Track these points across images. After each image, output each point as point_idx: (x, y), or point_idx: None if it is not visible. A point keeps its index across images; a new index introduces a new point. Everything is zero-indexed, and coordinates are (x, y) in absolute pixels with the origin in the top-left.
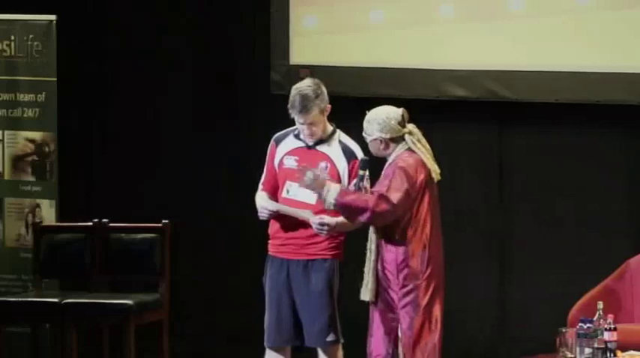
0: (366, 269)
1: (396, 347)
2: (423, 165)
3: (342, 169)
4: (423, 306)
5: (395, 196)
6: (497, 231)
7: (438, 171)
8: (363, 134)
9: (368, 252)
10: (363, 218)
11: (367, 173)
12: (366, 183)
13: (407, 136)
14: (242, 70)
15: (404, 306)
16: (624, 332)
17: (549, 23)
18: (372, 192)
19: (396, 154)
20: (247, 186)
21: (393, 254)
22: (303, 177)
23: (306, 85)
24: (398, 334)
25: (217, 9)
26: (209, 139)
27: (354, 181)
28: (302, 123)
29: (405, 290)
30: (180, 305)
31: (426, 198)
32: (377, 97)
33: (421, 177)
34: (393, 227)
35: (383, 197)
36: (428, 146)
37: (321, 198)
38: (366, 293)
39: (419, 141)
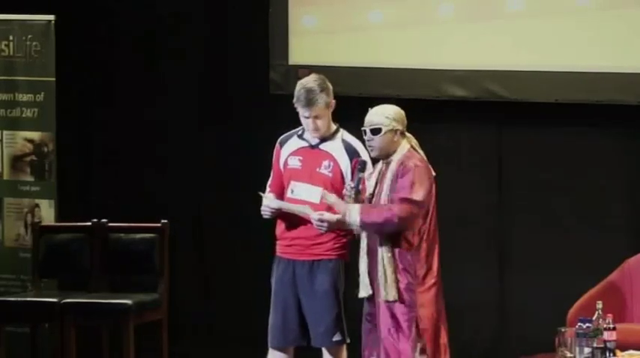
0: (383, 271)
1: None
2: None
3: (345, 167)
4: (435, 303)
5: (418, 195)
6: (496, 231)
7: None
8: (372, 127)
9: (383, 253)
10: (392, 228)
11: (366, 175)
12: (365, 185)
13: (407, 133)
14: (241, 70)
15: (419, 305)
16: (623, 332)
17: (549, 23)
18: (392, 200)
19: (402, 154)
20: (247, 185)
21: (411, 253)
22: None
23: (311, 79)
24: (405, 331)
25: (217, 9)
26: (208, 139)
27: (353, 184)
28: (307, 117)
29: (420, 288)
30: (179, 305)
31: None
32: (376, 97)
33: (434, 174)
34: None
35: (406, 200)
36: None
37: (345, 224)
38: (389, 294)
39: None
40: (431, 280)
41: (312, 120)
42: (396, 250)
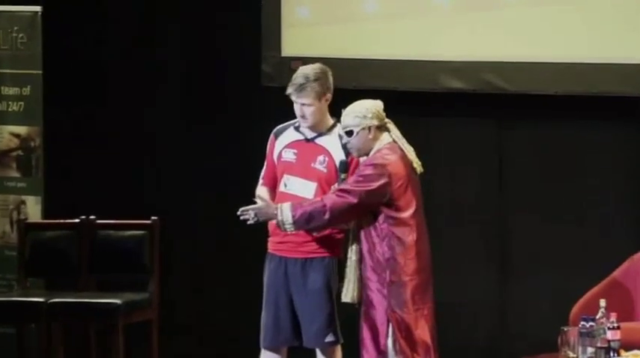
0: (348, 270)
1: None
2: (405, 158)
3: None
4: (412, 302)
5: (359, 188)
6: (496, 227)
7: (419, 162)
8: (345, 130)
9: (349, 252)
10: (325, 220)
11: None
12: None
13: (390, 125)
14: (233, 62)
15: (391, 304)
16: (628, 331)
17: (547, 13)
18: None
19: (377, 149)
20: (238, 180)
21: (378, 252)
22: (249, 219)
23: (311, 67)
24: (388, 334)
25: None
26: (199, 133)
27: (336, 186)
28: (295, 102)
29: (391, 287)
30: (170, 305)
31: (409, 192)
32: (371, 89)
33: (402, 171)
34: (377, 223)
35: (343, 191)
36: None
37: (279, 225)
38: (347, 295)
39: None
40: (405, 278)
41: (300, 107)
42: (365, 251)
